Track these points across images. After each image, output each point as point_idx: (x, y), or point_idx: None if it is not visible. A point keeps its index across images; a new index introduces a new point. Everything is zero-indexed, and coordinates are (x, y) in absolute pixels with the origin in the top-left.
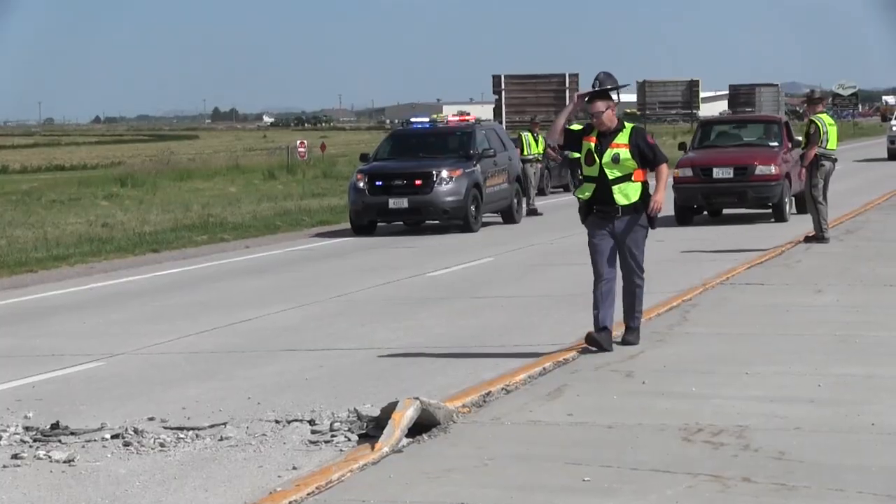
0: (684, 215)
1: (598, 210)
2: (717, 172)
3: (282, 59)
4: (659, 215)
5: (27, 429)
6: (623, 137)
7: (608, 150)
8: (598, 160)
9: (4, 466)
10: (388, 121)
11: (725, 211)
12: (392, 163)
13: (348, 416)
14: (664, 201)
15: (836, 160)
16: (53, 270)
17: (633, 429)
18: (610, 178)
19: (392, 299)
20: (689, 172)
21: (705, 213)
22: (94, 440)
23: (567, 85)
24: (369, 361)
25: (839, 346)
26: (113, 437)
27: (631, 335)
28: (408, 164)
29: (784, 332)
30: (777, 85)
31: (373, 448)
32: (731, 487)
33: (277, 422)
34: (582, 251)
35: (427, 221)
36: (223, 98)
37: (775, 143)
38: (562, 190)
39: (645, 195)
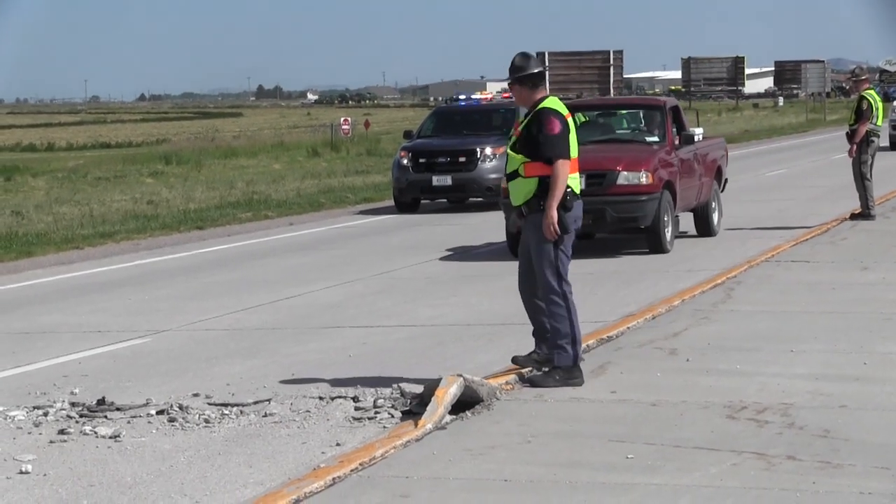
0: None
1: None
2: None
3: (326, 36)
4: (570, 236)
5: (73, 404)
6: (523, 122)
7: (512, 137)
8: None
9: (51, 442)
10: (431, 98)
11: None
12: (436, 140)
13: (392, 393)
14: (555, 218)
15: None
16: (99, 247)
17: (677, 406)
18: (506, 171)
19: (435, 277)
20: None
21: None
22: (140, 416)
23: (611, 62)
24: (412, 338)
25: (885, 324)
26: (158, 412)
27: (540, 375)
28: (451, 142)
29: (829, 309)
30: (823, 61)
31: (416, 425)
32: (776, 465)
33: (321, 398)
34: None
35: (471, 199)
36: (268, 76)
37: (655, 139)
38: None
39: (542, 193)
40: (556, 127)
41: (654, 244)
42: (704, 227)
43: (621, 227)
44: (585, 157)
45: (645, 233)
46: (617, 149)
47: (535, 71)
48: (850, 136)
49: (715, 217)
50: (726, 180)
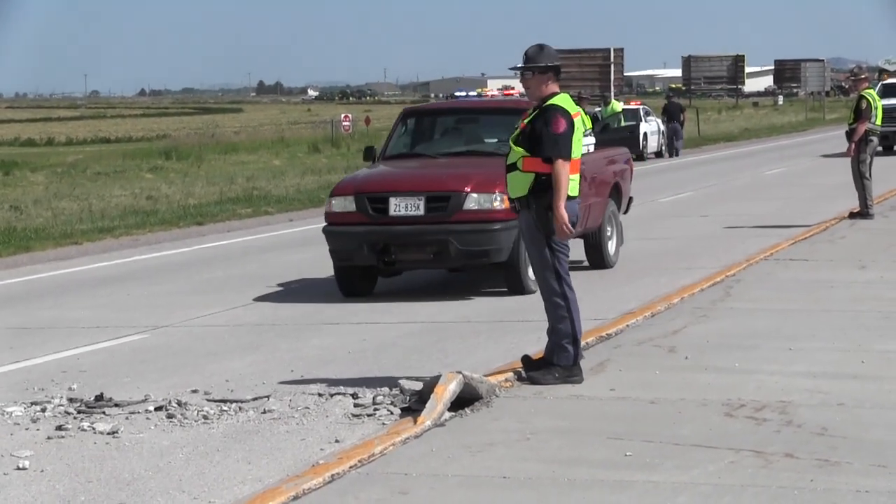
0: (348, 281)
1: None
2: (397, 206)
3: (327, 32)
4: (570, 239)
5: (71, 400)
6: (530, 116)
7: (516, 130)
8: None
9: (49, 438)
10: (432, 95)
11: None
12: None
13: (391, 390)
14: (565, 218)
15: (883, 135)
16: (98, 242)
17: (676, 404)
18: (506, 163)
19: (435, 274)
20: (348, 205)
21: None
22: (138, 412)
23: (612, 59)
24: (412, 335)
25: (883, 323)
26: (157, 409)
27: (540, 372)
28: None
29: (828, 308)
30: (823, 60)
31: (415, 422)
32: (774, 463)
33: (320, 395)
34: (625, 226)
35: None
36: (268, 71)
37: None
38: None
39: (538, 190)
40: (561, 126)
41: (513, 283)
42: (596, 257)
43: (470, 263)
44: (427, 176)
45: (503, 270)
46: (470, 164)
47: (550, 64)
48: (850, 135)
49: (611, 245)
50: (631, 200)
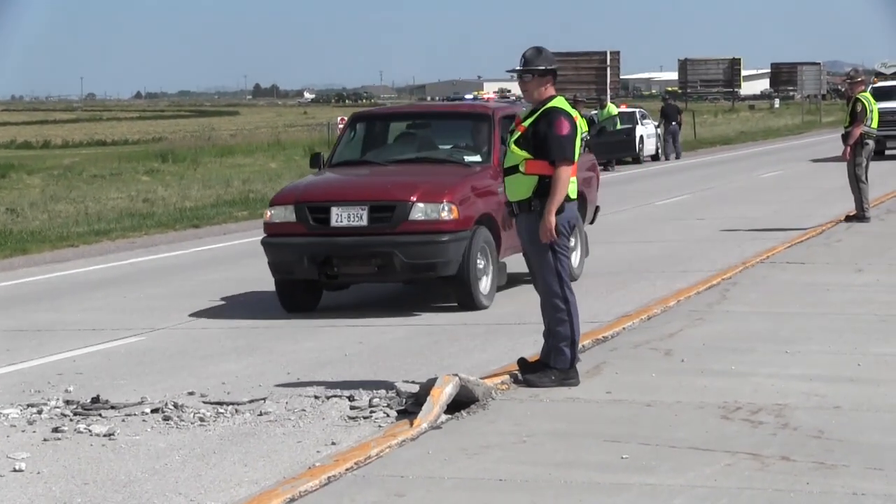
0: (289, 296)
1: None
2: (339, 216)
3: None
4: (570, 244)
5: (68, 402)
6: (530, 118)
7: (514, 133)
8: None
9: (45, 440)
10: (429, 97)
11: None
12: None
13: (387, 393)
14: (552, 224)
15: (876, 139)
16: (94, 245)
17: (672, 406)
18: (504, 166)
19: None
20: (287, 215)
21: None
22: (134, 414)
23: (608, 62)
24: (409, 338)
25: (879, 326)
26: (153, 411)
27: (536, 375)
28: None
29: (824, 311)
30: (819, 63)
31: (411, 424)
32: (770, 466)
33: (317, 397)
34: (621, 230)
35: None
36: (264, 74)
37: (476, 159)
38: (601, 167)
39: (543, 193)
40: (566, 128)
41: (463, 298)
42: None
43: (416, 277)
44: (371, 184)
45: (452, 284)
46: (419, 172)
47: (549, 67)
48: (845, 139)
49: (574, 257)
50: (597, 210)
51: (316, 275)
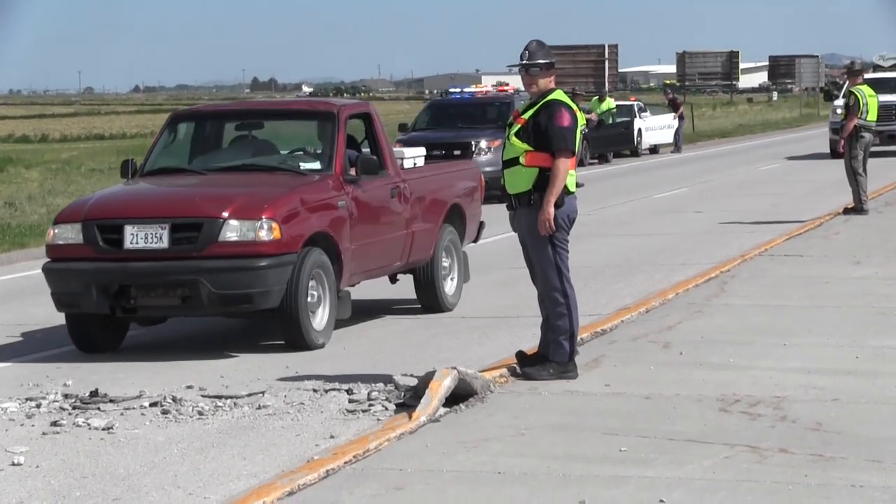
0: (82, 333)
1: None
2: (134, 236)
3: (321, 28)
4: (563, 237)
5: (66, 396)
6: (530, 111)
7: (513, 125)
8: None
9: (44, 433)
10: (427, 91)
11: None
12: (431, 133)
13: (386, 386)
14: (551, 214)
15: (876, 132)
16: None
17: (671, 399)
18: (503, 158)
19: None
20: (74, 235)
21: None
22: (133, 408)
23: (606, 55)
24: (407, 331)
25: (877, 318)
26: (151, 404)
27: (535, 368)
28: (446, 135)
29: (822, 303)
30: (817, 56)
31: (410, 417)
32: (768, 458)
33: (315, 391)
34: (619, 222)
35: None
36: (262, 68)
37: (315, 166)
38: (597, 161)
39: (544, 185)
40: (567, 119)
41: (292, 335)
42: (429, 296)
43: (228, 311)
44: (175, 197)
45: (275, 318)
46: (237, 183)
47: (550, 60)
48: (840, 132)
49: (449, 283)
50: (482, 225)
51: (107, 308)
